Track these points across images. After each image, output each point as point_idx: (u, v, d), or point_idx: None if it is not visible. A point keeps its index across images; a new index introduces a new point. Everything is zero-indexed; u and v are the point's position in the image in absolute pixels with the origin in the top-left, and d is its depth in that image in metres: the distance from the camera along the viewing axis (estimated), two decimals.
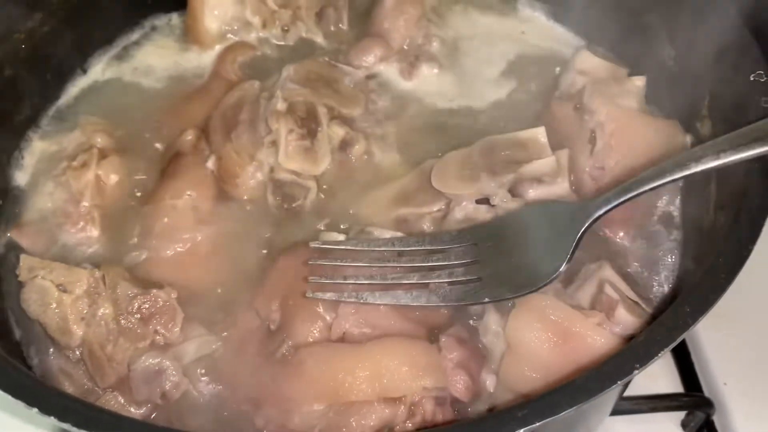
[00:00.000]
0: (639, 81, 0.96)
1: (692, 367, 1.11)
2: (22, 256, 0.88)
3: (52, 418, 0.60)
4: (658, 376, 1.10)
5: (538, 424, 0.58)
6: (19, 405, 0.61)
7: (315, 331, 0.82)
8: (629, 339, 0.76)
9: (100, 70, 1.15)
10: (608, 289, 0.79)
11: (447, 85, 1.12)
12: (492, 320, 0.81)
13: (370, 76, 1.11)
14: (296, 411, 0.78)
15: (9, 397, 0.61)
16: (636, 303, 0.80)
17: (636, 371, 0.62)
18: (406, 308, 0.82)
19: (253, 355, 0.84)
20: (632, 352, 0.64)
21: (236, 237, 0.96)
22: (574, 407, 0.60)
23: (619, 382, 0.62)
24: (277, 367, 0.80)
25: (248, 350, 0.85)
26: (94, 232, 0.96)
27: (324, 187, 0.99)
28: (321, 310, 0.82)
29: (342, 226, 0.95)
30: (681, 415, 1.08)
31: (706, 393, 1.08)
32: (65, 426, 0.59)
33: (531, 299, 0.79)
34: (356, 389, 0.76)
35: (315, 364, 0.78)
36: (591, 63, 1.03)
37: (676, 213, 0.96)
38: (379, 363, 0.77)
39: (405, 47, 1.13)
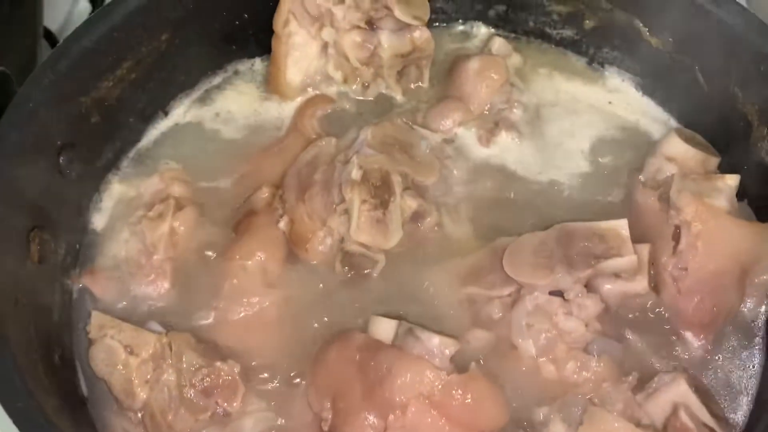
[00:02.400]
0: (731, 180, 0.92)
1: None
2: (94, 313, 0.90)
3: None
4: None
5: None
6: None
7: None
8: None
9: (181, 112, 1.14)
10: (683, 417, 0.75)
11: (526, 154, 1.08)
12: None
13: (447, 141, 1.09)
14: None
15: None
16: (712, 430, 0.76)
17: None
18: None
19: None
20: None
21: (302, 305, 0.95)
22: None
23: None
24: None
25: None
26: (165, 285, 0.97)
27: (392, 256, 0.98)
28: (372, 418, 0.79)
29: (398, 310, 0.94)
30: None
31: None
32: None
33: (601, 417, 0.76)
34: None
35: None
36: (680, 150, 0.99)
37: (760, 321, 0.91)
38: None
39: (485, 112, 1.11)
